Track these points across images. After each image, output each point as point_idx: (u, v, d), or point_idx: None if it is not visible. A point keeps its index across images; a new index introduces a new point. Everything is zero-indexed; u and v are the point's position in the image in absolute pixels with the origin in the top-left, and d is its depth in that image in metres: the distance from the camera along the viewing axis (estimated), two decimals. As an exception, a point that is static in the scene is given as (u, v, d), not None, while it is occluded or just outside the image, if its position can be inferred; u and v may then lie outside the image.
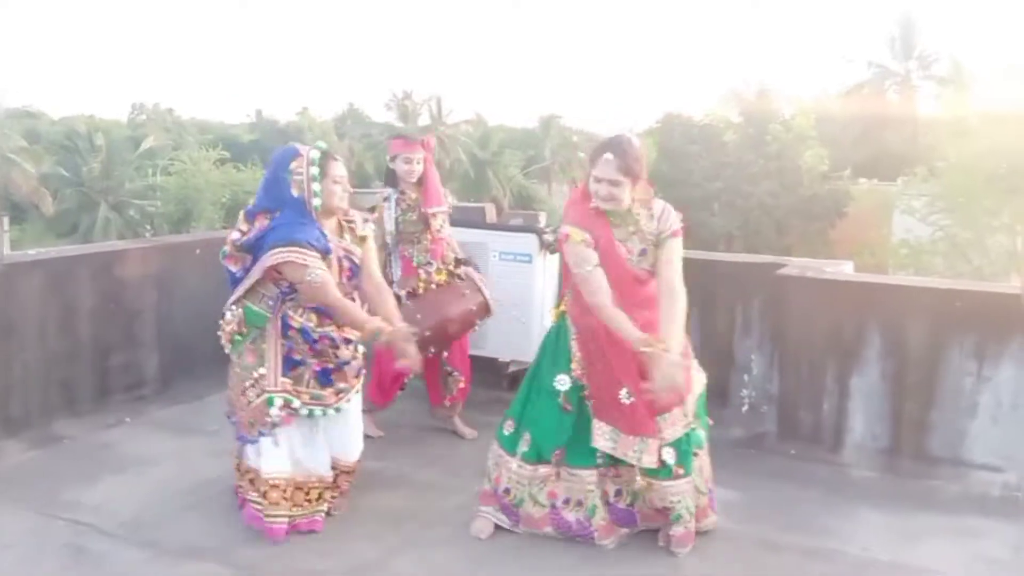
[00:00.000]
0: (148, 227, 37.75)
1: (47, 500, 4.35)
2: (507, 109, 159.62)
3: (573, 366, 3.91)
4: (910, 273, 20.90)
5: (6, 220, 38.11)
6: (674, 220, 3.91)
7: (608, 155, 3.73)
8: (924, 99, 42.92)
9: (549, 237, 5.62)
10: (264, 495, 4.00)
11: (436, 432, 5.33)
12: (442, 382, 5.24)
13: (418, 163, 5.07)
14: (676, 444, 3.84)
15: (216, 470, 4.61)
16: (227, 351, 4.10)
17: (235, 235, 4.02)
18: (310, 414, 4.01)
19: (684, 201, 27.64)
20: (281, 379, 3.97)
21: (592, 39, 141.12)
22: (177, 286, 5.90)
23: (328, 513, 4.20)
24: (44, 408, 5.22)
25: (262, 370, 3.97)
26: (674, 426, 3.83)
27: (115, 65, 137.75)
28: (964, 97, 32.91)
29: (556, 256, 5.15)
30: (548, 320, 4.49)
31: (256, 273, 3.92)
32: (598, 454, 3.88)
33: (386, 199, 5.13)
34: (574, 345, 3.92)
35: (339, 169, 4.03)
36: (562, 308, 4.04)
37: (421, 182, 5.10)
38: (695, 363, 3.99)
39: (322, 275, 3.83)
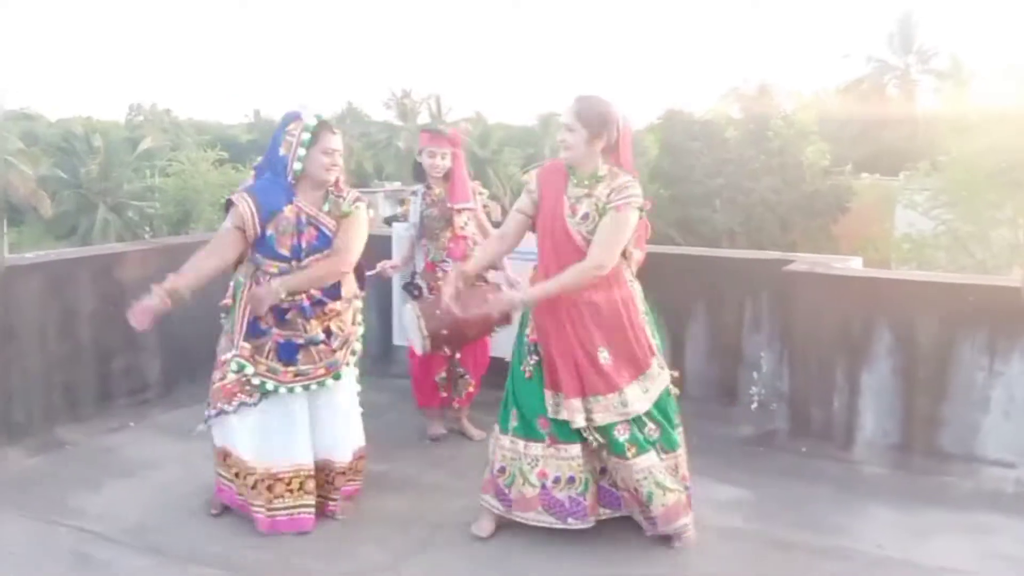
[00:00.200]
0: (147, 228, 37.76)
1: (51, 506, 4.31)
2: (506, 107, 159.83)
3: (527, 331, 3.97)
4: (913, 267, 20.88)
5: (3, 223, 38.08)
6: (627, 196, 3.77)
7: (571, 102, 3.78)
8: (924, 93, 42.98)
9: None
10: (237, 475, 4.06)
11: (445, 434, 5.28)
12: (452, 383, 5.19)
13: (443, 158, 5.00)
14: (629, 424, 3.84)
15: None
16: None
17: None
18: (261, 385, 3.98)
19: (686, 198, 27.75)
20: (242, 343, 3.98)
21: (591, 37, 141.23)
22: (179, 288, 5.84)
23: (333, 517, 4.17)
24: (46, 413, 5.18)
25: (228, 356, 4.00)
26: (607, 411, 3.80)
27: (112, 66, 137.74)
28: (963, 92, 32.91)
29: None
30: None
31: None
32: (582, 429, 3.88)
33: (413, 193, 5.10)
34: (529, 312, 3.99)
35: (332, 142, 3.99)
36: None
37: (448, 177, 5.03)
38: (658, 361, 3.93)
39: (227, 224, 3.93)
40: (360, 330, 4.23)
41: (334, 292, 4.07)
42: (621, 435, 3.82)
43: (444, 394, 5.21)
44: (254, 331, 4.00)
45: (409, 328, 4.57)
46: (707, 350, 5.54)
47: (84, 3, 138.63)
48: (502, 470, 3.97)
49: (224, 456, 4.12)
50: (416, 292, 5.01)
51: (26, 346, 5.09)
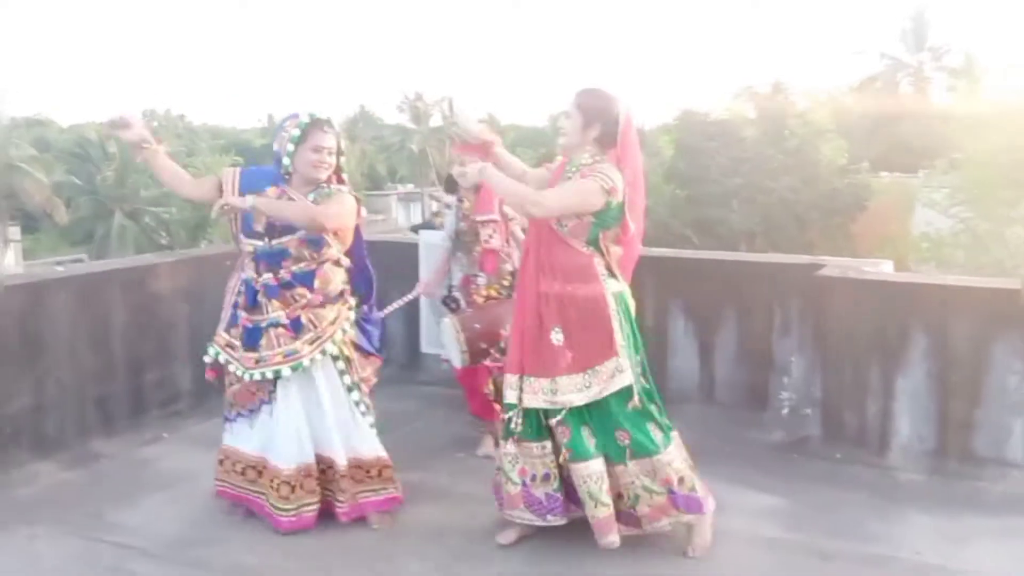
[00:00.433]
0: (164, 234, 37.86)
1: (89, 522, 4.30)
2: (518, 108, 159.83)
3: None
4: (932, 267, 20.75)
5: (17, 230, 38.23)
6: (596, 169, 3.74)
7: (574, 92, 3.83)
8: (937, 90, 42.77)
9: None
10: (234, 470, 4.22)
11: (474, 442, 5.23)
12: (493, 398, 5.14)
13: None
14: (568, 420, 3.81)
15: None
16: None
17: None
18: (227, 363, 4.13)
19: (703, 198, 27.56)
20: (220, 332, 4.17)
21: (603, 38, 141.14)
22: (208, 299, 5.78)
23: (373, 527, 4.19)
24: (79, 427, 5.19)
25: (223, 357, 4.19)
26: (535, 395, 3.81)
27: (124, 72, 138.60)
28: (977, 89, 32.70)
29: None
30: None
31: None
32: (543, 425, 3.89)
33: (448, 206, 5.07)
34: None
35: (323, 140, 4.00)
36: None
37: (477, 189, 4.87)
38: (616, 364, 3.79)
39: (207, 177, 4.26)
40: (340, 336, 4.14)
41: (305, 278, 4.07)
42: (563, 436, 3.83)
43: (497, 406, 5.13)
44: (234, 321, 4.15)
45: (447, 342, 4.57)
46: (736, 356, 5.53)
47: (95, 9, 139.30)
48: (498, 469, 4.05)
49: (228, 456, 4.26)
50: (454, 305, 4.94)
51: (58, 359, 5.10)
